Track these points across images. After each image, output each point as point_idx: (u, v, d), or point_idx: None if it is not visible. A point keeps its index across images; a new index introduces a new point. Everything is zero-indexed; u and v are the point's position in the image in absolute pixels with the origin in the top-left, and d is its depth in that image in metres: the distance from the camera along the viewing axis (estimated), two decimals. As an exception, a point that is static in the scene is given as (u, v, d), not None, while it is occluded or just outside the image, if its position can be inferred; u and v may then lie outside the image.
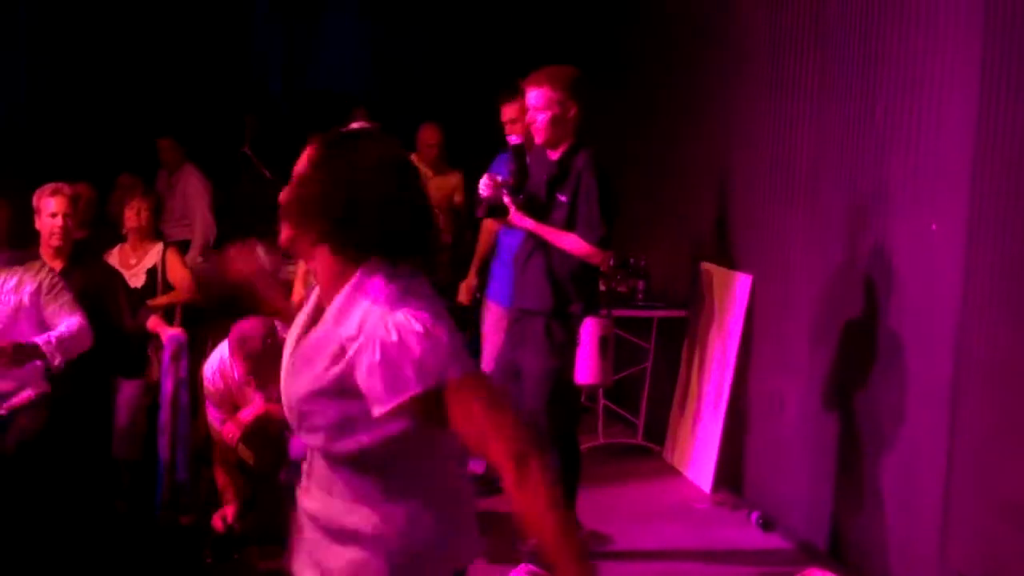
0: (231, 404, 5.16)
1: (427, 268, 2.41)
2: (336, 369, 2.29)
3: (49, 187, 5.48)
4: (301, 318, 2.49)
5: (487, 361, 5.74)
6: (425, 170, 7.34)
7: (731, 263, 6.21)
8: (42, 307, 4.92)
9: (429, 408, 2.25)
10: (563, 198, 4.78)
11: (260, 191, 8.94)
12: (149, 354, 5.89)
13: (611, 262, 6.66)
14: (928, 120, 4.47)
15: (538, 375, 4.82)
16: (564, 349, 4.79)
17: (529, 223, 4.82)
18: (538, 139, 4.83)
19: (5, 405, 4.76)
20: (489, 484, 4.87)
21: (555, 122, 4.76)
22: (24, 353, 4.69)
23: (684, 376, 6.63)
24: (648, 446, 6.88)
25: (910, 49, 4.58)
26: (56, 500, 4.69)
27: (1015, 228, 3.94)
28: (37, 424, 4.72)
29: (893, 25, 4.71)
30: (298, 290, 5.69)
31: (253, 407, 5.03)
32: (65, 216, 5.38)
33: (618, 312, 6.36)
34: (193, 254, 7.97)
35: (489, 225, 6.07)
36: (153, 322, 5.66)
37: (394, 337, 2.23)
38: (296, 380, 2.37)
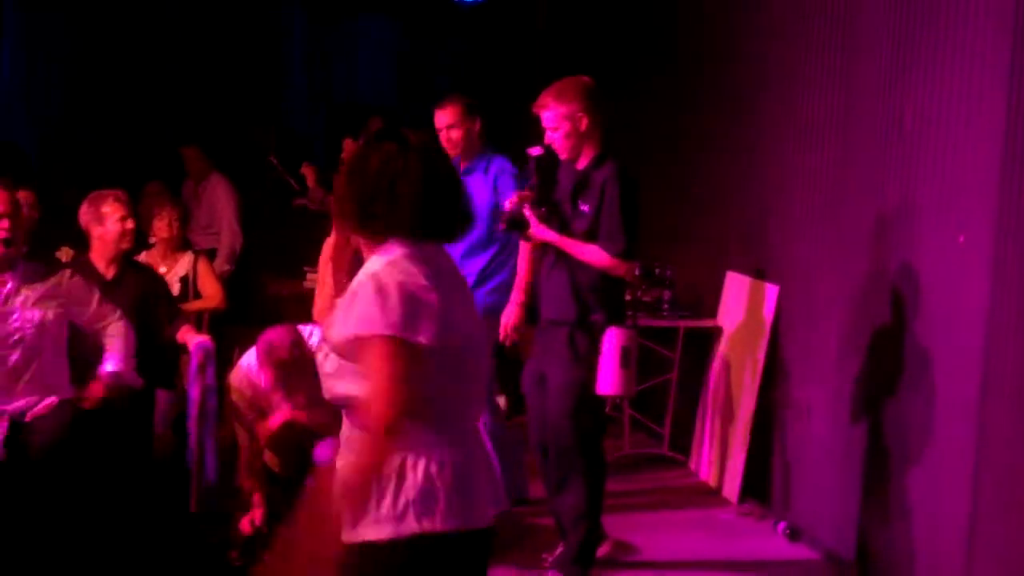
0: (258, 411, 5.19)
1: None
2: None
3: (109, 193, 5.55)
4: None
5: None
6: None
7: (758, 273, 6.20)
8: (72, 315, 4.94)
9: None
10: (585, 208, 4.79)
11: (286, 200, 9.01)
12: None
13: (636, 272, 6.69)
14: (956, 130, 4.45)
15: (561, 385, 4.83)
16: (587, 359, 4.79)
17: (551, 236, 4.83)
18: (562, 156, 4.86)
19: (30, 412, 4.79)
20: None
21: (569, 136, 4.79)
22: (116, 389, 4.83)
23: (710, 386, 6.61)
24: (674, 456, 6.86)
25: (939, 58, 4.56)
26: (88, 504, 4.71)
27: (1044, 239, 3.93)
28: (61, 430, 4.73)
29: (923, 34, 4.69)
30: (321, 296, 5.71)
31: (280, 414, 5.06)
32: (132, 219, 5.50)
33: (644, 322, 6.37)
34: (220, 262, 8.01)
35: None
36: (183, 331, 5.70)
37: (358, 288, 2.58)
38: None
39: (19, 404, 4.79)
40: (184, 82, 9.83)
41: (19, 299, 4.80)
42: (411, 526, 2.57)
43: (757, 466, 6.04)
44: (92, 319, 4.99)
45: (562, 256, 4.83)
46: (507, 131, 7.25)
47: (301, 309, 5.81)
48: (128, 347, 4.97)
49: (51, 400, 4.82)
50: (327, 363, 2.67)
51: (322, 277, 5.87)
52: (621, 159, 4.81)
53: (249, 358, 5.19)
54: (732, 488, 6.15)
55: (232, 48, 10.08)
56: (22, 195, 6.88)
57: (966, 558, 4.34)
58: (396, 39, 10.80)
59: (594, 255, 4.75)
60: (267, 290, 8.21)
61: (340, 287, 2.84)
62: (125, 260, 5.61)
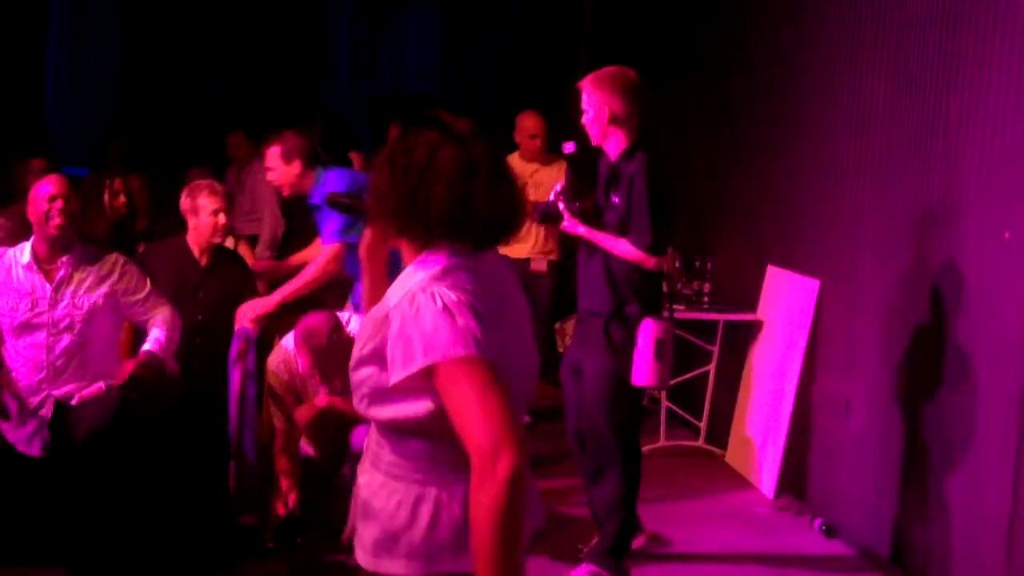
0: (295, 396, 5.23)
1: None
2: (378, 337, 2.34)
3: (206, 185, 5.58)
4: None
5: None
6: (527, 165, 7.17)
7: (799, 267, 6.17)
8: (123, 304, 4.98)
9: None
10: (616, 200, 4.79)
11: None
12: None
13: (677, 264, 6.67)
14: (1002, 124, 4.41)
15: (597, 376, 4.83)
16: (623, 350, 4.78)
17: (582, 230, 4.84)
18: (591, 141, 4.89)
19: (77, 396, 4.84)
20: None
21: (594, 122, 4.79)
22: (152, 368, 4.82)
23: (748, 380, 6.59)
24: (710, 449, 6.85)
25: (985, 52, 4.52)
26: (129, 488, 4.76)
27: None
28: (107, 416, 4.78)
29: (969, 27, 4.64)
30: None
31: (317, 400, 5.09)
32: (226, 212, 5.54)
33: (683, 314, 6.37)
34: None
35: None
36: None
37: (414, 310, 2.27)
38: (355, 347, 2.43)
39: (66, 389, 4.85)
40: (230, 70, 9.90)
41: (71, 286, 4.85)
42: (445, 565, 2.39)
43: (794, 461, 6.02)
44: (141, 309, 5.02)
45: (597, 248, 4.83)
46: (549, 123, 7.25)
47: (340, 296, 5.83)
48: (171, 335, 4.99)
49: (99, 386, 4.87)
50: (364, 382, 2.40)
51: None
52: (652, 152, 4.78)
53: (288, 343, 5.23)
54: (769, 483, 6.12)
55: (278, 36, 10.14)
56: (133, 181, 7.07)
57: (1006, 558, 4.30)
58: (441, 29, 10.81)
59: (624, 249, 4.74)
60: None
61: (377, 287, 2.61)
62: (218, 249, 5.65)
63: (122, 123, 9.71)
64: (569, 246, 6.91)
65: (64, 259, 4.85)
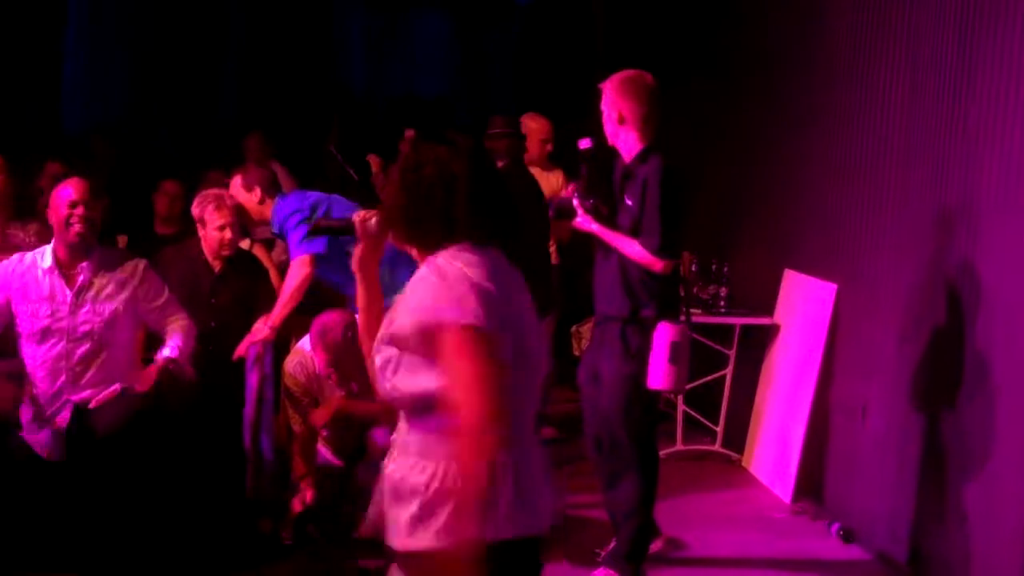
0: (312, 399, 5.23)
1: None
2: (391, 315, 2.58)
3: (213, 197, 5.57)
4: None
5: None
6: (533, 169, 6.91)
7: (816, 270, 6.15)
8: (141, 310, 4.99)
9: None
10: (629, 202, 4.79)
11: (345, 190, 9.05)
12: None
13: (694, 267, 6.67)
14: (1021, 127, 4.38)
15: (613, 379, 4.83)
16: (639, 354, 4.78)
17: (594, 227, 4.84)
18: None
19: (94, 400, 4.83)
20: None
21: (607, 123, 4.83)
22: (174, 375, 4.85)
23: (765, 384, 6.57)
24: (727, 453, 6.83)
25: (1004, 55, 4.50)
26: (147, 490, 4.77)
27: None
28: (125, 417, 4.78)
29: (987, 31, 4.62)
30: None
31: (333, 401, 5.09)
32: (232, 227, 5.55)
33: (700, 318, 6.36)
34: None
35: None
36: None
37: (419, 276, 2.52)
38: (382, 326, 2.62)
39: (85, 394, 4.85)
40: (246, 72, 9.92)
41: (91, 292, 4.85)
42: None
43: (812, 465, 6.00)
44: (158, 315, 5.02)
45: (612, 250, 4.82)
46: (560, 125, 7.23)
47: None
48: (187, 343, 5.00)
49: (115, 388, 4.86)
50: (386, 362, 2.57)
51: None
52: (666, 155, 4.77)
53: (304, 344, 5.23)
54: (786, 487, 6.11)
55: (292, 39, 10.15)
56: (169, 186, 7.14)
57: (1023, 561, 4.28)
58: (451, 32, 10.82)
59: (634, 250, 4.74)
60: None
61: (371, 294, 2.78)
62: (231, 255, 5.66)
63: (132, 123, 9.73)
64: (574, 249, 6.92)
65: (84, 264, 4.86)
